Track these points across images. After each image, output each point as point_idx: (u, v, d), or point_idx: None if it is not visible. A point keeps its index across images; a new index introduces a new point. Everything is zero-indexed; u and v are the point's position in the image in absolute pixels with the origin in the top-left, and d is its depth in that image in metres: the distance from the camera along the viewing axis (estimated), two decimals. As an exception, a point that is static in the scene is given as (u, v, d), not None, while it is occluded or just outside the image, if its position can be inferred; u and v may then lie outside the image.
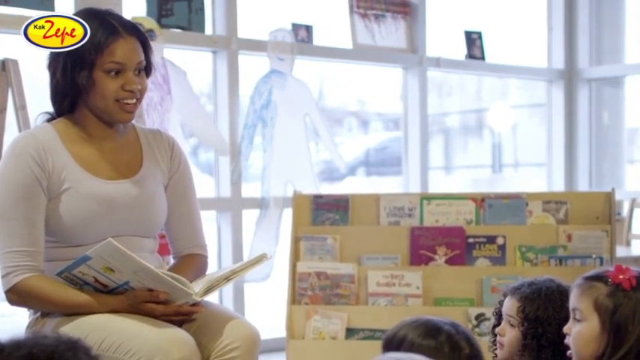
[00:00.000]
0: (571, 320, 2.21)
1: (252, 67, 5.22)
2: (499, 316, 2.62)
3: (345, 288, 4.18)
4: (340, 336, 4.11)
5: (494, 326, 2.63)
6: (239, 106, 5.04)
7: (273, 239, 5.11)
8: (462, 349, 1.93)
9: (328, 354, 4.10)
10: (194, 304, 2.45)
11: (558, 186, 6.65)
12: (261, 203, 5.09)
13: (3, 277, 2.46)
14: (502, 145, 11.34)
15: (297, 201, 4.35)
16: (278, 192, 5.12)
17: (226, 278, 2.49)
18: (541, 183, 7.21)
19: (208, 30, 4.95)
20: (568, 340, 2.21)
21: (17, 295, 2.46)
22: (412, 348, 1.91)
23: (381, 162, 11.13)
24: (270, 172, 5.13)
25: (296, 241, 4.27)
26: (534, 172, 10.32)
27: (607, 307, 2.12)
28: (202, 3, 4.85)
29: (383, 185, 10.25)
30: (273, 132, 5.12)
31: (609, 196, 4.19)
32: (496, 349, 2.59)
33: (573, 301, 2.19)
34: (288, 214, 4.98)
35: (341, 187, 8.08)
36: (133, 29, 2.54)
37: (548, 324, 2.45)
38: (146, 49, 2.57)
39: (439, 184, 6.87)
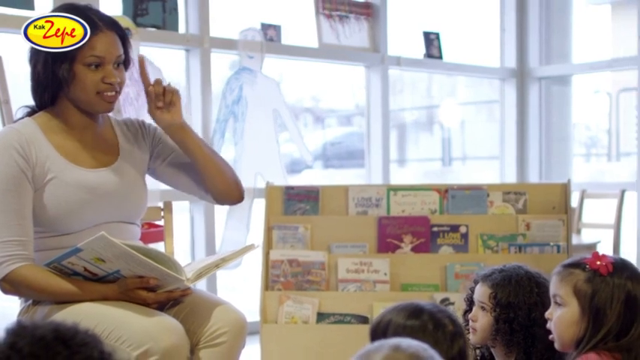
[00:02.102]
0: (552, 305, 2.19)
1: (224, 64, 5.16)
2: (470, 303, 2.59)
3: (316, 274, 4.13)
4: (312, 320, 4.07)
5: (466, 312, 2.60)
6: (211, 102, 4.97)
7: (244, 228, 5.05)
8: (446, 326, 1.89)
9: (300, 337, 4.06)
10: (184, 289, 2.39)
11: (510, 178, 6.66)
12: (232, 194, 5.01)
13: None
14: (451, 139, 11.41)
15: (270, 192, 4.29)
16: (248, 183, 5.05)
17: (216, 265, 2.44)
18: (490, 175, 7.23)
19: (182, 29, 4.88)
20: (550, 325, 2.19)
21: (10, 285, 2.38)
22: (398, 330, 1.87)
23: (337, 155, 11.14)
24: (241, 164, 5.06)
25: (269, 230, 4.22)
26: (481, 165, 10.38)
27: (586, 292, 2.10)
28: (176, 3, 4.78)
29: (339, 177, 10.25)
30: (243, 126, 5.06)
31: (565, 188, 4.18)
32: (468, 333, 2.56)
33: (553, 287, 2.17)
34: (258, 204, 4.92)
35: (300, 179, 8.05)
36: (112, 24, 2.49)
37: (519, 308, 2.43)
38: (125, 44, 2.52)
39: (394, 177, 6.86)
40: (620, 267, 2.12)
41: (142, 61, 2.59)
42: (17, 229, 2.36)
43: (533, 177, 6.62)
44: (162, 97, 2.54)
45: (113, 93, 2.47)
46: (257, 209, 4.97)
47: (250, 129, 5.07)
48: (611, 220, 5.53)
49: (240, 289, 5.84)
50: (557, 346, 2.18)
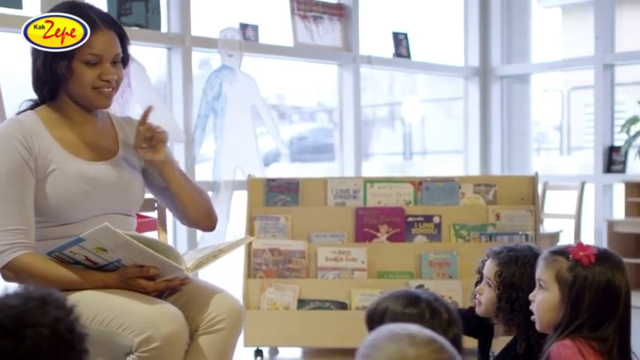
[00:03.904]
0: (536, 288, 2.17)
1: (205, 62, 5.11)
2: (481, 274, 2.51)
3: (296, 263, 4.11)
4: (292, 306, 4.05)
5: (477, 283, 2.53)
6: (192, 98, 4.91)
7: (225, 219, 4.99)
8: (442, 314, 1.86)
9: (282, 323, 4.04)
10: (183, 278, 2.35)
11: (474, 170, 6.67)
12: (213, 186, 4.97)
13: None
14: (412, 135, 11.42)
15: (252, 184, 4.26)
16: (228, 176, 5.01)
17: (214, 256, 2.40)
18: (450, 168, 7.23)
19: (164, 28, 4.81)
20: (532, 307, 2.17)
21: (12, 272, 2.33)
22: (395, 317, 1.83)
23: (303, 150, 11.10)
24: (221, 157, 5.00)
25: (251, 220, 4.19)
26: (441, 159, 10.40)
27: (567, 279, 2.08)
28: (158, 3, 4.72)
29: (306, 171, 10.21)
30: (223, 121, 5.00)
31: (533, 180, 4.19)
32: (474, 300, 2.52)
33: (538, 271, 2.16)
34: (237, 195, 4.88)
35: (268, 173, 7.99)
36: (111, 23, 2.44)
37: (521, 290, 2.34)
38: (123, 41, 2.47)
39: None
40: (603, 257, 2.09)
41: (149, 110, 2.53)
42: (19, 218, 2.31)
43: (495, 170, 6.64)
44: (147, 140, 2.47)
45: (110, 89, 2.43)
46: (237, 201, 4.93)
47: (229, 124, 5.02)
48: (570, 210, 5.56)
49: (219, 277, 5.78)
50: (537, 327, 2.17)
